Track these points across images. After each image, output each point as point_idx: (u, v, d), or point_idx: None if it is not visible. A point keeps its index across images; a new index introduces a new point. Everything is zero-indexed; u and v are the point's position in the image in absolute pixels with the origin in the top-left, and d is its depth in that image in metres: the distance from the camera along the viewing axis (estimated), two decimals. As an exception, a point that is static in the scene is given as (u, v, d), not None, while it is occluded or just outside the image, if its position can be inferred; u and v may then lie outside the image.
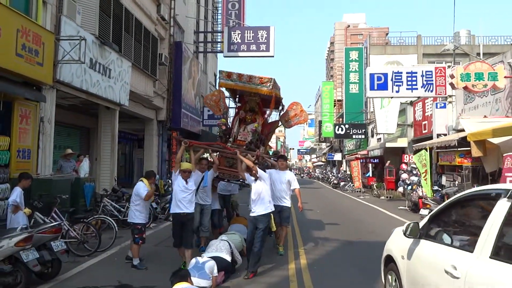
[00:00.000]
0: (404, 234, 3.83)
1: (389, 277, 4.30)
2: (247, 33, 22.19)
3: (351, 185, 25.56)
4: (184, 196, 5.93)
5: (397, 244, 4.21)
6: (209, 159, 7.74)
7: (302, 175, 62.61)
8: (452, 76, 11.45)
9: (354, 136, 30.52)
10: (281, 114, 8.90)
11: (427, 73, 14.73)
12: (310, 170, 65.88)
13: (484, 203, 3.21)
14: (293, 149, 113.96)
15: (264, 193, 6.16)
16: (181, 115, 17.43)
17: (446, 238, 3.42)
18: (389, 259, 4.33)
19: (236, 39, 22.13)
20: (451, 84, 11.69)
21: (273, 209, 6.36)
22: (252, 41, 22.10)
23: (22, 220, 5.73)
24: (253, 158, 6.81)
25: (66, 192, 7.86)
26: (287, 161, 12.99)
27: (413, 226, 3.74)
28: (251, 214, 6.23)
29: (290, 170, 10.24)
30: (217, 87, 9.19)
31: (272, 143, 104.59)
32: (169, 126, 17.40)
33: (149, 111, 16.06)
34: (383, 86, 15.05)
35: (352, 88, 32.53)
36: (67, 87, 9.32)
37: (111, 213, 9.14)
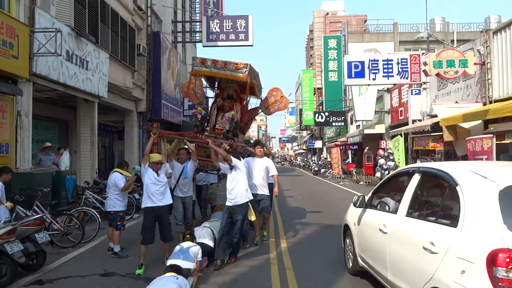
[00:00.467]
0: (354, 205, 4.91)
1: (347, 241, 5.44)
2: (226, 22, 22.11)
3: (331, 171, 26.10)
4: (157, 189, 5.67)
5: (350, 214, 5.36)
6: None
7: (283, 163, 63.26)
8: (425, 64, 11.84)
9: (334, 124, 31.02)
10: (261, 101, 8.77)
11: (402, 60, 15.09)
12: (292, 158, 66.60)
13: (406, 178, 4.15)
14: (275, 137, 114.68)
15: (240, 183, 6.01)
16: (161, 106, 17.38)
17: (382, 205, 4.50)
18: (346, 227, 5.48)
19: (215, 29, 22.03)
20: (424, 71, 12.09)
21: (251, 197, 6.20)
22: (231, 30, 22.04)
23: (4, 214, 5.76)
24: (227, 147, 6.60)
25: (47, 185, 7.87)
26: (270, 150, 13.20)
27: (361, 199, 4.82)
28: (227, 204, 6.05)
29: (273, 158, 10.42)
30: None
31: (254, 132, 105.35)
32: (150, 117, 17.33)
33: (129, 103, 15.96)
34: (361, 74, 15.36)
35: (331, 76, 32.93)
36: (44, 80, 9.22)
37: (93, 205, 9.18)
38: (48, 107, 12.42)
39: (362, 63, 15.33)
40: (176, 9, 23.11)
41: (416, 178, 3.87)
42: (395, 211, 3.97)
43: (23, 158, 8.55)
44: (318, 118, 31.16)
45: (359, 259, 4.83)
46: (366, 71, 15.26)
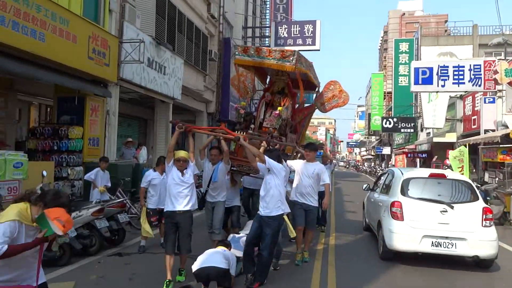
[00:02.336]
0: (363, 189, 9.17)
1: (363, 212, 9.27)
2: (294, 28, 22.69)
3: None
4: (180, 190, 4.94)
5: (365, 196, 9.18)
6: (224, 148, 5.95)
7: (347, 166, 62.14)
8: (495, 72, 11.33)
9: (402, 130, 30.00)
10: (316, 96, 7.87)
11: (475, 67, 14.47)
12: (359, 164, 65.04)
13: (383, 175, 8.48)
14: (342, 141, 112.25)
15: (274, 189, 4.99)
16: (229, 107, 18.49)
17: (378, 190, 7.97)
18: (363, 204, 9.49)
19: (283, 34, 22.71)
20: (495, 80, 11.56)
21: (286, 211, 5.20)
22: (299, 35, 22.58)
23: (97, 195, 7.00)
24: (264, 144, 5.79)
25: (128, 175, 9.13)
26: (330, 154, 12.99)
27: (367, 186, 9.06)
28: (258, 212, 5.17)
29: (331, 162, 9.62)
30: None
31: (322, 135, 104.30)
32: (218, 118, 18.53)
33: (200, 104, 17.26)
34: (428, 81, 15.03)
35: (401, 81, 31.86)
36: (129, 83, 10.59)
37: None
38: (130, 107, 14.05)
39: (431, 69, 14.98)
40: (247, 15, 24.21)
41: (385, 174, 8.32)
42: (386, 193, 7.18)
43: (110, 151, 9.95)
44: (386, 123, 30.35)
45: (366, 218, 8.73)
46: (435, 77, 14.89)
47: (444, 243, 5.90)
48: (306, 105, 8.24)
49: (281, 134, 6.64)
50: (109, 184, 7.65)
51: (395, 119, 30.04)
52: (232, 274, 4.67)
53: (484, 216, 6.06)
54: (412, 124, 28.92)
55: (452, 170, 16.10)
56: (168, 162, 5.08)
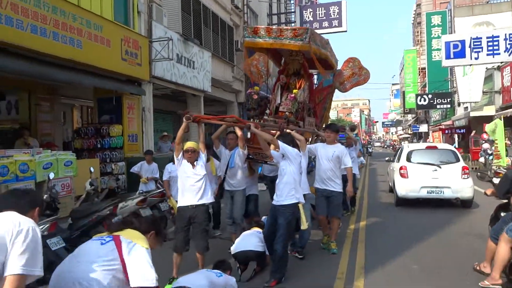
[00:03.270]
0: (386, 161, 12.38)
1: (388, 178, 11.97)
2: (319, 10, 22.52)
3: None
4: (192, 183, 4.63)
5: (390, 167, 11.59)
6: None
7: (385, 146, 60.95)
8: (531, 40, 10.86)
9: (438, 107, 29.08)
10: (333, 75, 7.42)
11: (511, 36, 13.88)
12: (395, 143, 63.57)
13: (399, 149, 11.47)
14: (377, 122, 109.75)
15: (288, 176, 4.66)
16: (266, 96, 18.72)
17: (395, 160, 10.72)
18: (387, 172, 12.37)
19: (308, 18, 22.60)
20: (531, 48, 11.08)
21: (301, 200, 4.74)
22: (324, 18, 22.38)
23: (142, 186, 7.61)
24: (276, 130, 5.59)
25: (165, 167, 9.67)
26: (355, 135, 12.76)
27: (389, 158, 11.75)
28: (272, 202, 4.86)
29: (355, 144, 8.66)
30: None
31: (356, 116, 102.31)
32: (248, 107, 18.85)
33: (230, 95, 17.67)
34: (461, 54, 14.58)
35: (435, 56, 30.69)
36: (160, 80, 11.12)
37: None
38: (164, 102, 14.66)
39: (462, 42, 14.51)
40: (271, 2, 24.18)
41: (399, 149, 11.22)
42: (394, 161, 10.48)
43: (147, 145, 10.57)
44: (420, 100, 29.52)
45: (389, 182, 11.15)
46: (467, 50, 14.41)
47: (436, 191, 8.78)
48: (325, 85, 7.88)
49: (298, 118, 6.27)
50: (157, 175, 8.09)
51: (430, 96, 29.14)
52: (268, 254, 4.89)
53: (463, 171, 8.83)
54: (448, 99, 27.97)
55: (492, 144, 15.66)
56: (177, 155, 4.77)
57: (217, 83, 15.36)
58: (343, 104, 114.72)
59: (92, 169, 7.10)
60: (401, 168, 9.20)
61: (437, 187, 8.69)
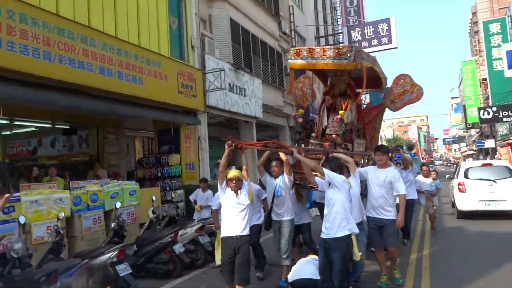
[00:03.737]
0: (446, 178, 12.61)
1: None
2: (367, 29, 22.34)
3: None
4: (236, 213, 4.51)
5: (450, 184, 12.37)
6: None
7: (449, 164, 57.47)
8: None
9: (504, 120, 27.05)
10: (384, 93, 7.21)
11: None
12: (459, 161, 59.74)
13: (458, 167, 13.06)
14: (437, 139, 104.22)
15: (338, 206, 4.36)
16: (312, 119, 18.73)
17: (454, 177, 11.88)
18: (449, 189, 12.71)
19: (356, 37, 22.49)
20: None
21: (354, 230, 4.45)
22: (373, 36, 22.15)
23: (196, 214, 7.84)
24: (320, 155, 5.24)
25: (221, 193, 9.91)
26: (410, 151, 12.08)
27: (449, 176, 12.53)
28: (321, 236, 4.51)
29: (411, 165, 7.52)
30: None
31: (413, 134, 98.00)
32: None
33: (281, 119, 17.85)
34: (526, 62, 13.65)
35: (496, 66, 28.87)
36: (214, 109, 11.56)
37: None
38: (218, 130, 15.13)
39: (527, 49, 13.59)
40: (318, 25, 24.44)
41: (457, 168, 12.77)
42: (454, 178, 11.56)
43: (203, 173, 10.93)
44: (483, 114, 27.62)
45: (451, 198, 11.94)
46: (534, 58, 13.46)
47: (492, 204, 9.71)
48: (374, 104, 7.64)
49: (346, 140, 6.01)
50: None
51: (494, 108, 27.18)
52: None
53: None
54: (516, 111, 25.95)
55: None
56: (221, 183, 4.66)
57: (268, 108, 15.63)
58: (398, 122, 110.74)
59: (154, 198, 7.49)
60: (459, 184, 10.29)
61: (493, 200, 9.68)
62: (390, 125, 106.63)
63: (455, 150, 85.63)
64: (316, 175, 4.64)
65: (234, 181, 4.58)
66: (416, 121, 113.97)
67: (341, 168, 4.69)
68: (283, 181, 5.35)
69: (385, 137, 78.15)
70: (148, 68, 8.59)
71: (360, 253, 4.62)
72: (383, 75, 7.08)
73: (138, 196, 7.84)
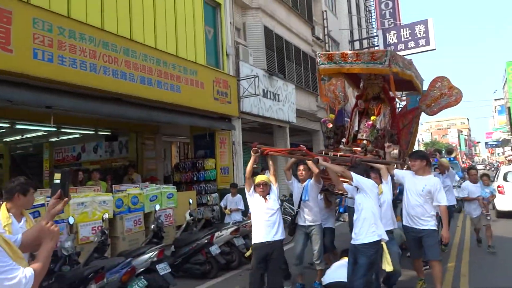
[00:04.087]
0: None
1: None
2: (403, 31, 21.88)
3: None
4: (266, 219, 4.46)
5: None
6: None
7: (492, 169, 54.75)
8: None
9: (554, 122, 25.54)
10: (420, 97, 6.89)
11: None
12: (503, 165, 56.78)
13: (497, 171, 14.55)
14: (479, 142, 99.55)
15: (366, 211, 4.25)
16: (344, 122, 18.60)
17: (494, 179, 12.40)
18: None
19: (392, 40, 22.07)
20: None
21: (383, 237, 4.25)
22: (410, 38, 21.65)
23: (227, 218, 8.05)
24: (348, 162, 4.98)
25: (256, 197, 10.10)
26: (450, 155, 11.65)
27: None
28: (351, 242, 4.40)
29: (447, 170, 7.05)
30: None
31: (453, 137, 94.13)
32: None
33: (314, 124, 17.83)
34: None
35: (544, 66, 27.39)
36: (248, 115, 11.79)
37: (290, 213, 11.07)
38: (252, 135, 15.36)
39: None
40: (352, 29, 24.22)
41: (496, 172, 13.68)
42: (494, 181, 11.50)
43: (237, 177, 11.17)
44: (530, 117, 26.29)
45: None
46: None
47: None
48: (410, 108, 7.31)
49: (377, 147, 5.78)
50: (242, 207, 8.48)
51: (542, 111, 25.82)
52: None
53: None
54: None
55: None
56: (248, 189, 4.65)
57: (302, 113, 15.69)
58: (437, 125, 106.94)
59: (191, 201, 7.77)
60: (498, 186, 10.94)
61: None
62: (428, 129, 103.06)
63: (498, 154, 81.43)
64: (344, 181, 4.58)
65: (261, 186, 4.57)
66: (456, 124, 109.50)
67: (367, 172, 4.60)
68: (311, 185, 5.27)
69: (423, 140, 75.67)
70: (186, 77, 8.95)
71: (394, 266, 4.37)
72: (420, 79, 6.74)
73: (176, 199, 8.17)
